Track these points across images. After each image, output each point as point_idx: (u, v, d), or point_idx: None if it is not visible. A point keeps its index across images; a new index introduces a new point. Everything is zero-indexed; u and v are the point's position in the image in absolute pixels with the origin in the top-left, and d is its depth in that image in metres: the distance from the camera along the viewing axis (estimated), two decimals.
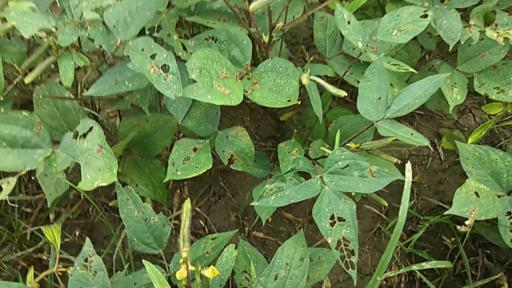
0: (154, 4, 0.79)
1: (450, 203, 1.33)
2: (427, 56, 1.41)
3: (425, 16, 0.89)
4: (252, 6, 0.68)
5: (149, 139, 1.01)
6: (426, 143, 0.80)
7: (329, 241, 0.71)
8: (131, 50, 0.74)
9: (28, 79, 0.79)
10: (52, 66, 0.90)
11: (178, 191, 1.28)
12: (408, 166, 0.61)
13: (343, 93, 0.82)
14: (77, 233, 1.19)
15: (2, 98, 0.92)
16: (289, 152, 0.94)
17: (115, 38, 0.79)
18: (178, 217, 1.27)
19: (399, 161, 0.84)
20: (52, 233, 0.94)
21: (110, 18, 0.78)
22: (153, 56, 0.73)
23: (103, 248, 1.21)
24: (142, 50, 0.74)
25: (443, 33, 0.94)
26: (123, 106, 0.96)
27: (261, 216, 0.95)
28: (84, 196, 1.22)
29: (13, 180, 0.74)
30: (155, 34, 0.87)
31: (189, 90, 0.74)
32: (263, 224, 1.14)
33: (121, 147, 0.93)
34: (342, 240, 0.72)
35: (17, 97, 1.04)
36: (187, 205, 0.70)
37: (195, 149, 0.90)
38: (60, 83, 1.01)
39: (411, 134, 0.81)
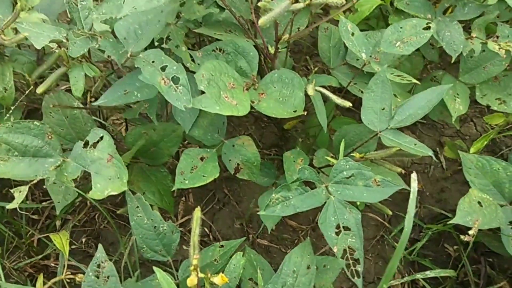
0: (164, 16, 0.81)
1: (452, 211, 1.35)
2: (428, 66, 1.43)
3: (428, 28, 0.91)
4: (261, 21, 0.69)
5: (156, 147, 1.03)
6: (430, 153, 0.82)
7: (335, 250, 0.73)
8: (141, 62, 0.76)
9: (40, 89, 0.80)
10: None
11: (183, 198, 1.29)
12: (414, 176, 0.63)
13: (347, 104, 0.84)
14: (83, 240, 1.20)
15: (12, 107, 0.94)
16: (294, 161, 0.95)
17: (125, 50, 0.81)
18: (183, 224, 1.28)
19: (403, 171, 0.86)
20: (61, 240, 0.96)
21: (121, 30, 0.80)
22: (163, 68, 0.75)
23: (109, 255, 1.22)
24: (153, 62, 0.76)
25: (445, 45, 0.95)
26: (131, 115, 0.98)
27: (266, 225, 0.96)
28: (90, 203, 1.24)
29: (25, 189, 0.76)
30: (164, 45, 0.89)
31: (197, 101, 0.76)
32: (268, 232, 1.15)
33: (129, 156, 0.95)
34: (347, 249, 0.73)
35: (24, 106, 1.06)
36: (197, 213, 0.71)
37: (202, 158, 0.91)
38: (67, 91, 1.03)
39: (415, 144, 0.83)
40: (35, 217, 1.21)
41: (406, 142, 0.83)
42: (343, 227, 0.74)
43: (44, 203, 1.21)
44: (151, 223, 0.85)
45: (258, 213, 0.96)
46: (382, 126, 0.85)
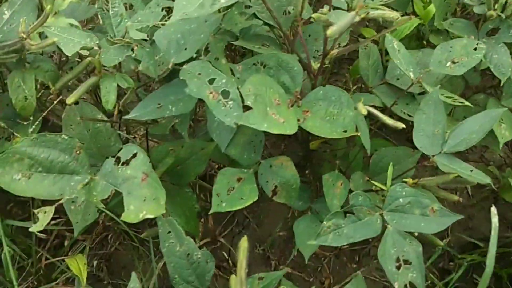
0: (208, 27, 0.75)
1: (481, 240, 1.29)
2: None
3: (478, 49, 0.87)
4: (330, 32, 0.64)
5: (182, 166, 0.96)
6: (487, 181, 0.76)
7: (396, 286, 0.66)
8: (187, 74, 0.70)
9: (70, 100, 0.73)
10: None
11: (202, 220, 1.21)
12: (494, 210, 0.57)
13: (401, 125, 0.79)
14: (94, 263, 1.11)
15: (32, 118, 0.87)
16: (333, 184, 0.89)
17: (166, 60, 0.75)
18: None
19: (461, 199, 0.80)
20: (78, 265, 0.87)
21: (161, 39, 0.74)
22: (211, 81, 0.69)
23: (121, 280, 1.14)
24: (199, 74, 0.69)
25: (493, 67, 0.91)
26: (161, 130, 0.91)
27: (304, 253, 0.89)
28: (103, 222, 1.15)
29: (50, 210, 0.68)
30: (202, 57, 0.83)
31: (245, 118, 0.70)
32: (288, 259, 1.08)
33: (158, 173, 0.87)
34: (408, 285, 0.67)
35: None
36: (243, 243, 0.64)
37: (239, 179, 0.84)
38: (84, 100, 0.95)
39: (471, 171, 0.78)
40: (43, 235, 1.11)
41: (462, 168, 0.77)
42: (404, 260, 0.68)
43: (52, 222, 1.12)
44: (184, 251, 0.78)
45: (298, 245, 0.89)
46: (435, 150, 0.79)
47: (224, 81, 0.68)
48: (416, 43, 1.18)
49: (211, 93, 0.67)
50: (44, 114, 0.81)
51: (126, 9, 0.96)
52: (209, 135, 0.89)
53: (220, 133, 0.84)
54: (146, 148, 1.12)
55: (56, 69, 0.88)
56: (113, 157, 0.81)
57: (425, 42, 1.13)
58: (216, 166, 1.28)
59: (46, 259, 1.01)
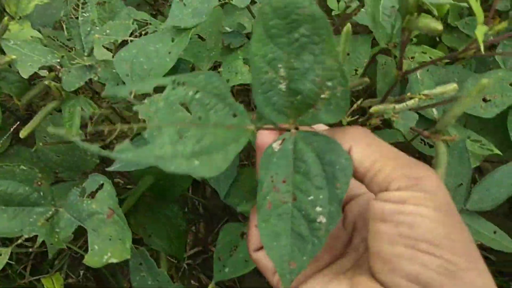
0: (176, 46, 0.62)
1: None
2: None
3: None
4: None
5: (166, 180, 0.87)
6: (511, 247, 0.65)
7: None
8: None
9: (23, 133, 0.64)
10: None
11: (193, 228, 1.14)
12: None
13: None
14: (80, 272, 1.05)
15: None
16: None
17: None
18: (191, 257, 1.13)
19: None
20: (53, 285, 0.81)
21: (122, 65, 0.62)
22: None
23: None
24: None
25: None
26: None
27: None
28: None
29: (6, 252, 0.61)
30: None
31: None
32: None
33: (135, 196, 0.79)
34: None
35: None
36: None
37: (242, 235, 0.74)
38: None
39: (494, 232, 0.66)
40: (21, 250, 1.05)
41: (484, 229, 0.66)
42: None
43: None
44: (156, 285, 0.71)
45: None
46: (457, 206, 0.68)
47: None
48: (428, 39, 1.03)
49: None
50: (9, 133, 0.72)
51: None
52: None
53: (218, 179, 0.73)
54: None
55: (25, 80, 0.77)
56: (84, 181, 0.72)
57: (437, 39, 0.99)
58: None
59: (26, 277, 0.95)
